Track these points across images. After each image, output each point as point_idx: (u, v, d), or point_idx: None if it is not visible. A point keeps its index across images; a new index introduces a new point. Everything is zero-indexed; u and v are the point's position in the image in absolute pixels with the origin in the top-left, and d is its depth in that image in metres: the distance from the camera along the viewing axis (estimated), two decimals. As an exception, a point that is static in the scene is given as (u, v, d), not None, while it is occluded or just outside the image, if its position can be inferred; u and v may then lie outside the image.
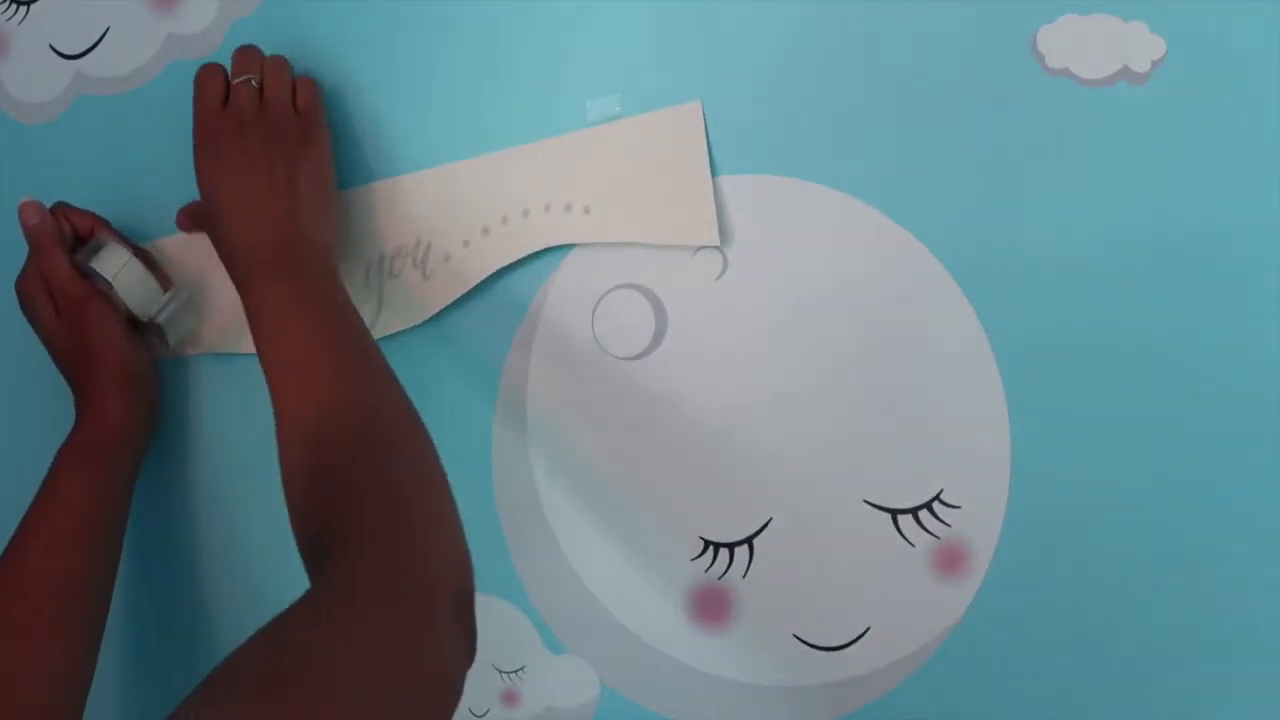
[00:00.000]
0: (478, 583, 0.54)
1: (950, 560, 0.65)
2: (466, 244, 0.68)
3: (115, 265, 0.67)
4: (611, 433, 0.68)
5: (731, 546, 0.67)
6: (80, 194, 0.72)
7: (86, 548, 0.64)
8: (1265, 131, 0.60)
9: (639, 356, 0.67)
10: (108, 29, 0.73)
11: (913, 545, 0.65)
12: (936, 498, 0.65)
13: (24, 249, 0.69)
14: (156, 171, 0.72)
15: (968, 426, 0.64)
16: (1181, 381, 0.62)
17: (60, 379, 0.70)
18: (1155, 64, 0.61)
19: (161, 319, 0.69)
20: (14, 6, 0.74)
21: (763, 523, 0.67)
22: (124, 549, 0.68)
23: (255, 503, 0.73)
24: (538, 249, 0.67)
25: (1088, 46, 0.61)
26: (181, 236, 0.72)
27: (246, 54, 0.66)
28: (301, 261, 0.61)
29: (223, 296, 0.71)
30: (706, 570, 0.67)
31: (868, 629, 0.66)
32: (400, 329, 0.69)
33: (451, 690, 0.47)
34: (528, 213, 0.67)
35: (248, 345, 0.69)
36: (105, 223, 0.70)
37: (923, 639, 0.66)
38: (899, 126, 0.64)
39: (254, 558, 0.73)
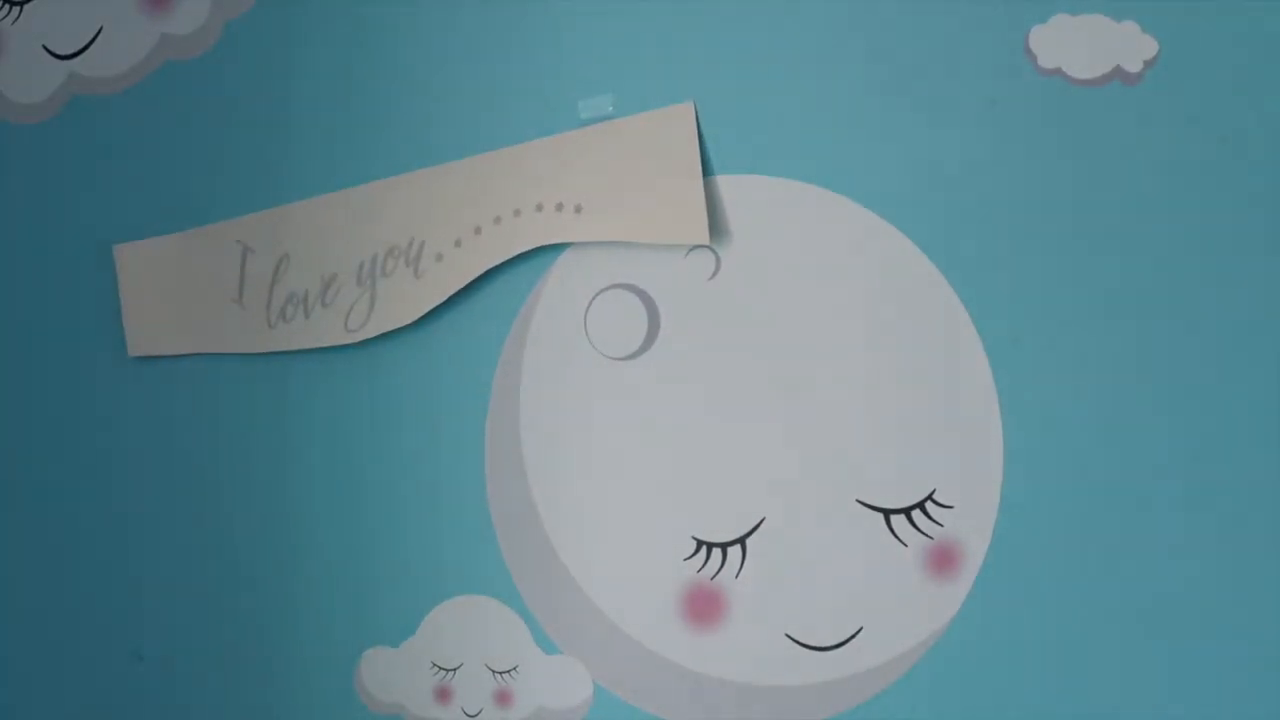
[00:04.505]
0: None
1: (943, 560, 0.65)
2: (459, 243, 0.68)
3: None
4: (604, 432, 0.68)
5: (724, 546, 0.67)
6: (73, 194, 0.72)
7: None
8: (1257, 131, 0.60)
9: (632, 356, 0.67)
10: (100, 29, 0.73)
11: (905, 545, 0.65)
12: (929, 498, 0.65)
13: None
14: (149, 171, 0.72)
15: (960, 427, 0.64)
16: (1176, 381, 0.62)
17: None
18: (1147, 64, 0.61)
19: None
20: (7, 7, 0.74)
21: (755, 522, 0.67)
22: (109, 548, 0.66)
23: (242, 499, 0.73)
24: (530, 248, 0.67)
25: (1080, 46, 0.61)
26: (171, 237, 0.72)
27: None
28: None
29: (194, 299, 0.71)
30: (699, 570, 0.67)
31: (860, 629, 0.66)
32: (393, 328, 0.69)
33: None
34: (520, 212, 0.67)
35: (213, 344, 0.69)
36: None
37: (915, 639, 0.66)
38: (892, 127, 0.64)
39: (241, 554, 0.73)
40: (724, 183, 0.65)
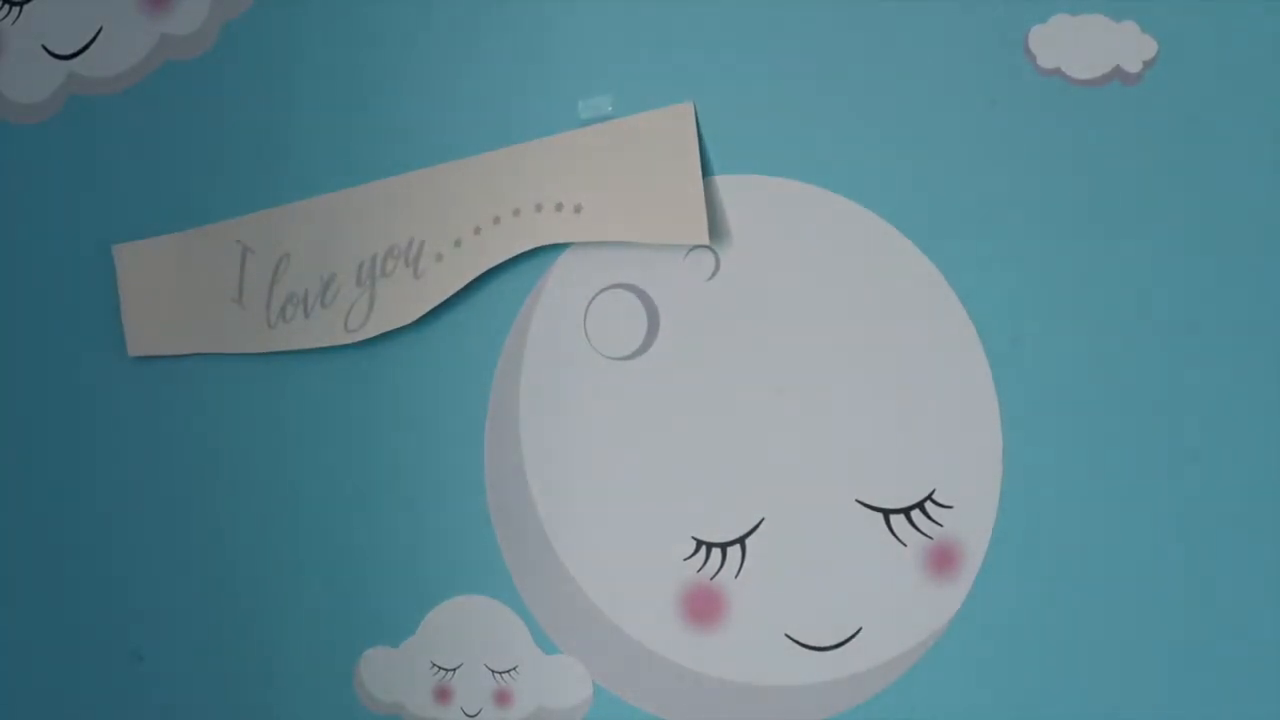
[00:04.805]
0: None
1: (942, 560, 0.65)
2: (458, 243, 0.68)
3: None
4: (603, 433, 0.68)
5: (724, 546, 0.67)
6: (73, 194, 0.72)
7: None
8: (1257, 131, 0.60)
9: (631, 356, 0.67)
10: (100, 29, 0.73)
11: (905, 545, 0.65)
12: (929, 498, 0.65)
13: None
14: (149, 171, 0.72)
15: (960, 426, 0.64)
16: (1176, 381, 0.62)
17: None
18: (1147, 64, 0.61)
19: None
20: (7, 7, 0.74)
21: (755, 522, 0.67)
22: (109, 547, 0.67)
23: (241, 500, 0.73)
24: (530, 248, 0.67)
25: (1079, 46, 0.61)
26: (171, 237, 0.72)
27: None
28: None
29: (194, 299, 0.71)
30: (699, 570, 0.67)
31: (860, 629, 0.66)
32: (392, 328, 0.69)
33: None
34: (519, 212, 0.67)
35: (213, 344, 0.69)
36: None
37: (915, 639, 0.66)
38: (891, 126, 0.64)
39: (241, 554, 0.73)
40: (724, 183, 0.65)
